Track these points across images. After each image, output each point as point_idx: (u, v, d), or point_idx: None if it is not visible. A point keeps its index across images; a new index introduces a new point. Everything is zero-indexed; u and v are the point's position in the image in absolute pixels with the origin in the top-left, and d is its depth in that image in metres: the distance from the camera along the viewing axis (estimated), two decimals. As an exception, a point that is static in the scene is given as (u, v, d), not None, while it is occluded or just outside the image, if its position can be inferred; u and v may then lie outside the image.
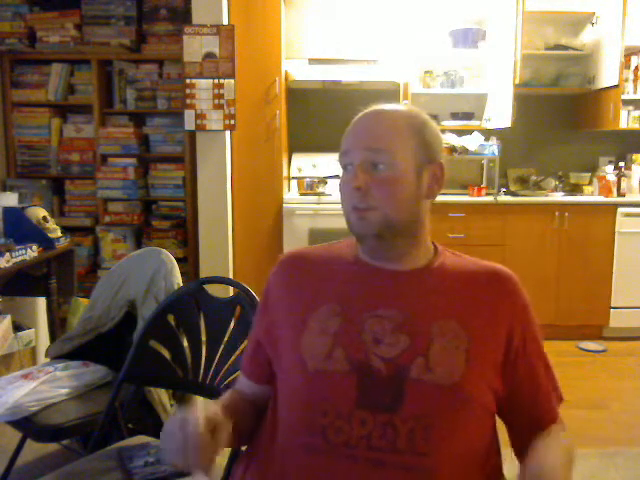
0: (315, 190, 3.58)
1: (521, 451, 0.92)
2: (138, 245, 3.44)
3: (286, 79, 3.60)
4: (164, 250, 2.02)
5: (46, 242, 2.57)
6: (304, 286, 0.98)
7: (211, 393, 1.51)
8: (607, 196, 3.66)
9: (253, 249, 3.51)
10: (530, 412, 0.94)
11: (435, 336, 0.88)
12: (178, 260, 2.08)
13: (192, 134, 3.31)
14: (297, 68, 3.66)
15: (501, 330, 0.90)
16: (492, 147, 3.71)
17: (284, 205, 3.48)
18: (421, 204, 0.93)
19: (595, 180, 3.85)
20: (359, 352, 0.88)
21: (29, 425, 1.68)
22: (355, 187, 0.89)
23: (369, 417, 0.85)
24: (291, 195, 3.67)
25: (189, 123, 3.20)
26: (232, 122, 3.20)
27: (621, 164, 3.76)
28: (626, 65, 3.62)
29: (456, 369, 0.86)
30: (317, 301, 0.95)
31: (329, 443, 0.85)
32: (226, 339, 1.48)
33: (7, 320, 2.42)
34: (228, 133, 3.31)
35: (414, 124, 0.92)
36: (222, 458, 1.03)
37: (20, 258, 2.38)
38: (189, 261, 3.45)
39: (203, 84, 3.17)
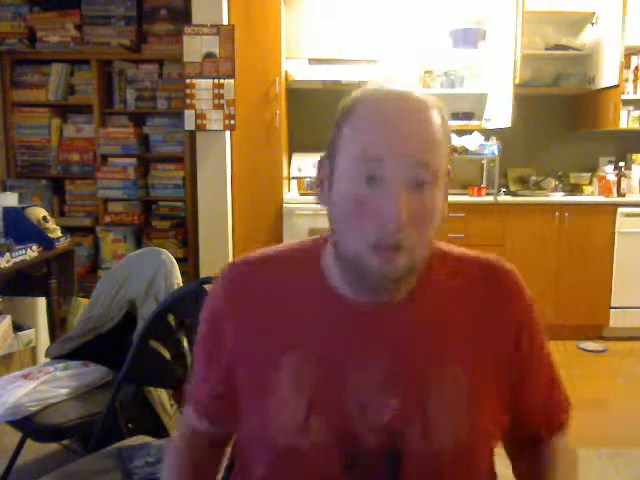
0: (315, 190, 3.58)
1: (518, 456, 0.84)
2: (138, 245, 3.44)
3: (286, 79, 3.60)
4: (164, 250, 2.02)
5: (46, 242, 2.58)
6: (263, 321, 0.75)
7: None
8: (607, 196, 3.66)
9: (253, 249, 3.49)
10: (537, 428, 0.82)
11: (432, 387, 0.71)
12: (178, 260, 2.08)
13: (192, 134, 3.31)
14: (297, 68, 3.66)
15: (504, 347, 0.75)
16: (492, 147, 3.71)
17: (284, 205, 3.48)
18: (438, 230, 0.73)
19: (595, 180, 3.85)
20: (342, 420, 0.69)
21: (29, 425, 1.68)
22: (398, 223, 0.64)
23: None
24: (291, 195, 3.67)
25: (189, 123, 3.20)
26: (232, 122, 3.20)
27: (621, 164, 3.76)
28: (626, 65, 3.62)
29: (460, 426, 0.71)
30: (282, 346, 0.73)
31: None
32: (226, 339, 1.48)
33: (7, 320, 2.42)
34: (228, 133, 3.31)
35: (445, 120, 0.70)
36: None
37: (20, 258, 2.38)
38: (189, 261, 3.45)
39: (203, 84, 3.17)
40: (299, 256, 0.80)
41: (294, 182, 3.80)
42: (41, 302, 2.78)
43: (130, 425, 1.87)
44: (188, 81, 3.17)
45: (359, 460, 0.69)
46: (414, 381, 0.71)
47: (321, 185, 0.75)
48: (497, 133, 3.78)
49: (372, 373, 0.70)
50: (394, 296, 0.72)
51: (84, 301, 2.41)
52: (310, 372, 0.71)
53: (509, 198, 3.69)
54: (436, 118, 0.68)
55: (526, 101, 3.82)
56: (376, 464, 0.69)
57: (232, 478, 0.84)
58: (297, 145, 3.94)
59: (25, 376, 1.84)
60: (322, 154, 0.76)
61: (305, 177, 3.73)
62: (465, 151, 3.71)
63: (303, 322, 0.74)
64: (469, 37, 3.79)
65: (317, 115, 3.94)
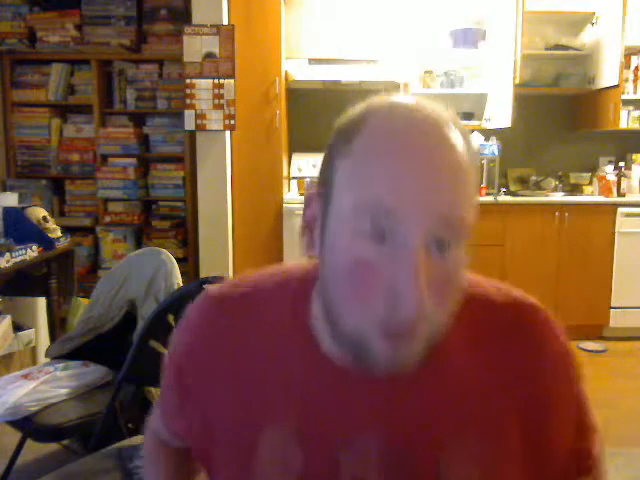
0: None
1: None
2: (138, 245, 3.44)
3: (286, 79, 3.60)
4: (164, 250, 2.02)
5: (46, 242, 2.58)
6: (239, 379, 0.62)
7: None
8: (607, 196, 3.66)
9: (253, 249, 3.51)
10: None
11: (445, 470, 0.58)
12: (178, 260, 2.08)
13: (192, 134, 3.31)
14: (297, 68, 3.66)
15: (533, 405, 0.61)
16: (492, 147, 3.71)
17: (284, 205, 3.48)
18: None
19: (595, 180, 3.85)
20: None
21: (29, 425, 1.68)
22: (417, 305, 0.48)
23: None
24: (291, 195, 3.67)
25: (189, 123, 3.20)
26: (232, 122, 3.20)
27: (621, 164, 3.76)
28: (626, 65, 3.62)
29: None
30: (265, 414, 0.61)
31: None
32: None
33: (7, 320, 2.42)
34: (228, 133, 3.31)
35: (472, 147, 0.55)
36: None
37: (20, 258, 2.38)
38: (189, 261, 3.45)
39: (203, 84, 3.17)
40: (283, 302, 0.64)
41: (294, 182, 3.81)
42: (41, 302, 2.78)
43: (130, 425, 1.87)
44: (188, 81, 3.17)
45: None
46: (420, 460, 0.58)
47: (310, 229, 0.59)
48: (497, 133, 3.78)
49: (368, 452, 0.58)
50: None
51: (84, 301, 2.41)
52: (295, 451, 0.59)
53: (509, 198, 3.69)
54: (465, 151, 0.53)
55: (526, 101, 3.82)
56: None
57: None
58: (297, 145, 3.94)
59: (25, 376, 1.84)
60: (311, 187, 0.59)
61: (305, 177, 3.73)
62: (465, 151, 3.70)
63: (285, 390, 0.60)
64: (469, 37, 3.79)
65: (317, 115, 3.94)
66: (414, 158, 0.50)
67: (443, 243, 0.50)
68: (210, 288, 0.68)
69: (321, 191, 0.56)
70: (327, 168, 0.56)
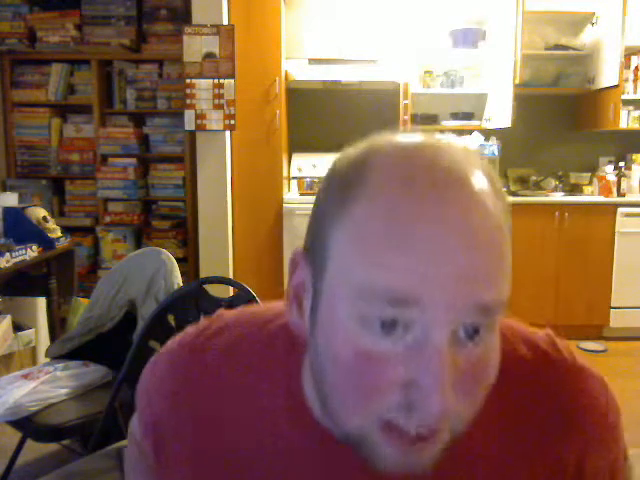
0: (315, 190, 3.58)
1: None
2: (138, 245, 3.44)
3: (286, 79, 3.60)
4: (164, 250, 2.02)
5: (46, 242, 2.58)
6: (222, 454, 0.53)
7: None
8: (607, 196, 3.66)
9: (253, 249, 3.51)
10: None
11: None
12: (178, 260, 2.08)
13: (192, 134, 3.31)
14: (297, 68, 3.66)
15: None
16: (492, 147, 3.71)
17: (284, 205, 3.48)
18: None
19: (595, 180, 3.85)
20: None
21: (29, 425, 1.68)
22: (441, 410, 0.38)
23: None
24: (291, 195, 3.67)
25: (189, 123, 3.20)
26: (232, 122, 3.20)
27: (621, 164, 3.76)
28: (626, 65, 3.62)
29: None
30: None
31: None
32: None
33: (7, 320, 2.42)
34: (228, 133, 3.31)
35: (507, 208, 0.48)
36: None
37: (20, 258, 2.38)
38: (189, 261, 3.45)
39: (203, 84, 3.17)
40: (271, 362, 0.53)
41: (294, 182, 3.81)
42: (41, 302, 2.78)
43: (130, 425, 1.87)
44: (188, 81, 3.17)
45: None
46: None
47: (297, 299, 0.47)
48: (497, 133, 3.78)
49: None
50: None
51: (84, 301, 2.41)
52: None
53: (509, 198, 3.68)
54: (500, 206, 0.44)
55: (526, 101, 3.82)
56: None
57: None
58: (297, 145, 3.94)
59: (25, 376, 1.84)
60: (295, 249, 0.47)
61: (305, 177, 3.73)
62: (465, 151, 3.71)
63: (272, 468, 0.51)
64: (469, 37, 3.79)
65: (317, 115, 3.95)
66: (440, 229, 0.38)
67: (474, 329, 0.40)
68: (182, 336, 0.57)
69: (312, 257, 0.45)
70: (318, 232, 0.44)
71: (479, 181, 0.41)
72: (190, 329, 0.58)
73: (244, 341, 0.54)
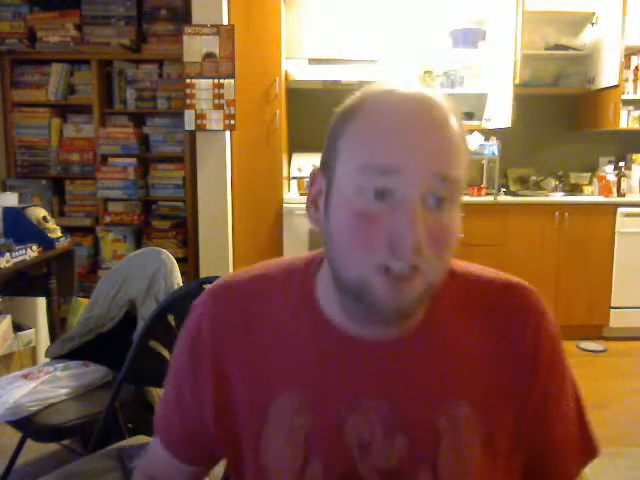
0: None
1: None
2: (138, 245, 3.44)
3: (286, 79, 3.60)
4: (164, 250, 2.02)
5: (46, 242, 2.58)
6: (250, 358, 0.68)
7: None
8: (607, 196, 3.66)
9: (253, 249, 3.51)
10: (541, 473, 0.72)
11: (443, 432, 0.63)
12: (178, 260, 2.08)
13: (192, 134, 3.31)
14: (297, 68, 3.66)
15: (522, 385, 0.67)
16: (492, 147, 3.71)
17: (284, 205, 3.48)
18: None
19: (595, 180, 3.85)
20: (343, 463, 0.64)
21: (29, 425, 1.68)
22: (414, 243, 0.55)
23: None
24: (291, 195, 3.67)
25: (189, 123, 3.20)
26: (232, 122, 3.20)
27: (621, 164, 3.76)
28: (626, 65, 3.62)
29: (473, 472, 0.65)
30: (274, 385, 0.66)
31: None
32: (226, 339, 1.48)
33: (7, 320, 2.42)
34: (228, 133, 3.31)
35: (463, 126, 0.62)
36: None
37: (20, 258, 2.38)
38: (189, 261, 3.45)
39: (203, 84, 3.17)
40: (291, 281, 0.70)
41: (294, 182, 3.80)
42: (41, 302, 2.78)
43: (130, 425, 1.87)
44: (188, 81, 3.17)
45: None
46: (422, 425, 0.64)
47: (314, 203, 0.65)
48: (497, 133, 3.78)
49: (374, 418, 0.63)
50: (399, 331, 0.64)
51: (84, 301, 2.41)
52: (304, 419, 0.64)
53: (509, 198, 3.69)
54: (456, 123, 0.59)
55: (526, 101, 3.82)
56: None
57: None
58: (297, 145, 3.94)
59: (25, 376, 1.84)
60: (314, 167, 0.67)
61: (305, 177, 3.73)
62: (465, 151, 3.71)
63: (293, 361, 0.66)
64: (469, 37, 3.79)
65: (317, 115, 3.94)
66: (409, 123, 0.57)
67: (439, 199, 0.57)
68: (221, 277, 0.75)
69: (325, 167, 0.63)
70: (330, 147, 0.62)
71: (444, 108, 0.59)
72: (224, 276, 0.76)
73: (266, 270, 0.73)
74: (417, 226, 0.55)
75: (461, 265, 0.71)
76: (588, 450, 0.73)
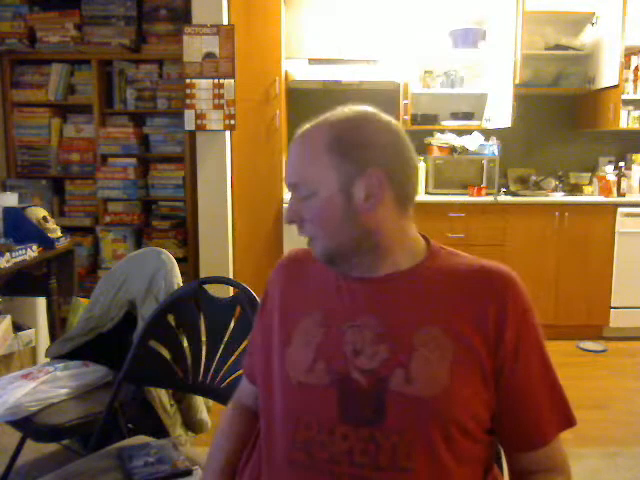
0: None
1: (512, 470, 0.89)
2: (138, 245, 3.44)
3: (286, 79, 3.60)
4: (164, 250, 2.02)
5: (46, 242, 2.58)
6: (294, 294, 0.97)
7: (211, 393, 1.51)
8: (607, 196, 3.66)
9: (253, 249, 3.51)
10: (517, 431, 0.86)
11: (417, 346, 0.82)
12: (178, 260, 2.08)
13: (192, 134, 3.31)
14: (297, 68, 3.66)
15: (489, 335, 0.82)
16: (492, 147, 3.72)
17: (284, 205, 3.47)
18: (364, 219, 0.85)
19: (595, 180, 3.85)
20: (339, 364, 0.85)
21: (29, 425, 1.68)
22: (286, 222, 0.93)
23: (351, 432, 0.82)
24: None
25: (189, 123, 3.20)
26: (232, 122, 3.20)
27: (621, 164, 3.76)
28: (626, 65, 3.62)
29: (438, 381, 0.80)
30: (304, 311, 0.93)
31: (312, 458, 0.84)
32: (226, 339, 1.48)
33: (7, 320, 2.42)
34: (228, 133, 3.32)
35: (331, 138, 0.86)
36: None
37: (20, 258, 2.38)
38: (189, 261, 3.45)
39: (203, 84, 3.17)
40: None
41: (294, 182, 3.81)
42: (41, 302, 2.78)
43: (130, 425, 1.87)
44: (188, 81, 3.17)
45: (352, 398, 0.84)
46: (401, 340, 0.84)
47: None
48: (497, 133, 3.78)
49: (365, 332, 0.86)
50: (384, 272, 0.89)
51: (84, 301, 2.41)
52: (317, 331, 0.89)
53: (509, 198, 3.69)
54: (317, 142, 0.88)
55: (526, 101, 3.82)
56: (366, 402, 0.83)
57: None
58: (297, 145, 3.93)
59: (25, 376, 1.84)
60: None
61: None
62: (465, 151, 3.71)
63: (318, 291, 0.95)
64: (469, 37, 3.79)
65: (317, 115, 3.93)
66: (290, 152, 0.92)
67: (304, 196, 0.87)
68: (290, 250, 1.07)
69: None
70: None
71: (313, 130, 0.92)
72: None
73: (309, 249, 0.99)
74: (287, 214, 0.91)
75: (455, 251, 0.93)
76: (563, 418, 0.87)
